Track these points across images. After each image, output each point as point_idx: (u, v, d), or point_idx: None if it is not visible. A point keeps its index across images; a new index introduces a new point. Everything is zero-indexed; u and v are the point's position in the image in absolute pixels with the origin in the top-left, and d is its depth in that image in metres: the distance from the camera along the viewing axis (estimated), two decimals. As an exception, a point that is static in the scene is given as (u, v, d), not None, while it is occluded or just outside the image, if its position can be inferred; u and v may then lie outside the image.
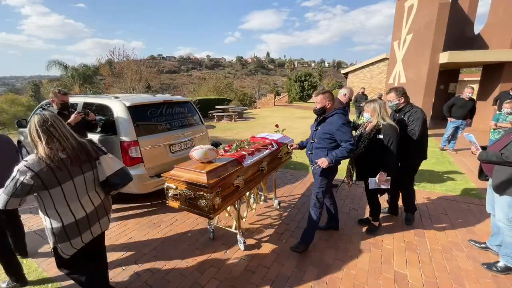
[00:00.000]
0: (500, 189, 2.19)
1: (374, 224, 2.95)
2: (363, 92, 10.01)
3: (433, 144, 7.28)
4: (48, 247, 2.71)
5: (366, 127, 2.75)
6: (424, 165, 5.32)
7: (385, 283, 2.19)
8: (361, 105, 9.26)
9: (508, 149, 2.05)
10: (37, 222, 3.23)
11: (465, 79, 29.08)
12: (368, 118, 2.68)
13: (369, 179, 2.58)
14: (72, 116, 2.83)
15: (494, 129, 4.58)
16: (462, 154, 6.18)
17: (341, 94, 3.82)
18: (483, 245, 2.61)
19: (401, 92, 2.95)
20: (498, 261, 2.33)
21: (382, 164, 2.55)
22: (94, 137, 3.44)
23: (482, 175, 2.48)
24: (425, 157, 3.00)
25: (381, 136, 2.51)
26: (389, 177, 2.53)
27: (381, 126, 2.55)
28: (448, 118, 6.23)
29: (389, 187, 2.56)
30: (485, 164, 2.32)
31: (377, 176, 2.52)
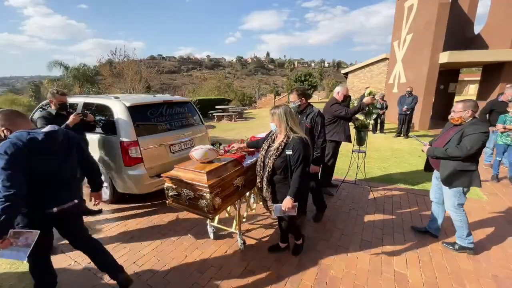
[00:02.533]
0: (447, 182, 2.45)
1: (298, 244, 2.54)
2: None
3: (433, 144, 7.28)
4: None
5: (274, 138, 2.25)
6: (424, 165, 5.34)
7: (385, 283, 2.19)
8: None
9: (450, 145, 2.37)
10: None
11: (465, 79, 29.14)
12: (275, 129, 2.20)
13: (274, 205, 2.12)
14: (71, 117, 2.82)
15: (502, 132, 4.26)
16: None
17: (335, 93, 3.83)
18: (423, 229, 2.90)
19: (302, 92, 2.86)
20: (455, 242, 2.62)
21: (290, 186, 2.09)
22: (94, 137, 3.45)
23: (427, 168, 2.78)
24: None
25: (289, 152, 2.03)
26: (296, 203, 2.07)
27: (290, 139, 2.06)
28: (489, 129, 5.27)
29: (295, 214, 2.11)
30: (432, 158, 2.61)
31: (283, 202, 2.06)
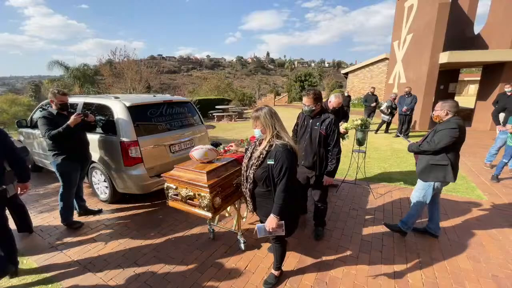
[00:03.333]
0: (421, 175, 2.64)
1: (275, 274, 2.20)
2: (372, 92, 9.32)
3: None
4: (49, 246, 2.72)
5: (259, 144, 1.93)
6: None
7: (385, 283, 2.19)
8: (372, 105, 9.04)
9: (426, 141, 2.58)
10: (37, 220, 3.23)
11: (465, 79, 29.15)
12: (260, 135, 1.87)
13: (256, 225, 1.86)
14: (72, 118, 2.82)
15: (511, 133, 4.18)
16: (461, 154, 6.17)
17: (328, 100, 3.82)
18: (422, 229, 2.92)
19: (319, 96, 2.55)
20: (396, 224, 2.83)
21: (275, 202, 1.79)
22: (94, 137, 3.45)
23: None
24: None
25: (271, 162, 1.75)
26: (283, 222, 1.80)
27: (273, 146, 1.77)
28: (497, 127, 4.72)
29: (283, 233, 1.84)
30: (415, 155, 2.81)
31: (267, 222, 1.80)
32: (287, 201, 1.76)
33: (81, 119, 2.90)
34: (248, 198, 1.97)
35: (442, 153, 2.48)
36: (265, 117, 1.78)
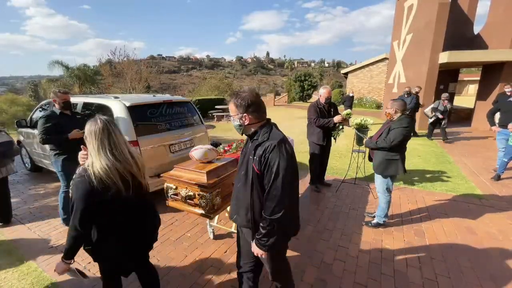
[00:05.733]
0: (377, 169, 2.87)
1: None
2: (416, 92, 7.65)
3: (433, 144, 7.27)
4: (49, 246, 2.72)
5: None
6: (424, 165, 5.35)
7: (385, 283, 2.19)
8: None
9: (381, 138, 2.80)
10: (37, 220, 3.22)
11: (465, 79, 29.17)
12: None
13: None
14: (74, 132, 2.83)
15: None
16: (461, 153, 6.18)
17: (319, 94, 3.86)
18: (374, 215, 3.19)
19: (246, 103, 1.39)
20: (373, 220, 3.07)
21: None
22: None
23: (370, 159, 3.12)
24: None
25: None
26: (74, 268, 1.51)
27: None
28: (492, 128, 4.80)
29: (84, 279, 1.61)
30: (371, 150, 3.03)
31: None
32: (77, 242, 1.39)
33: (79, 137, 2.88)
34: None
35: (396, 149, 2.71)
36: (89, 135, 1.33)
